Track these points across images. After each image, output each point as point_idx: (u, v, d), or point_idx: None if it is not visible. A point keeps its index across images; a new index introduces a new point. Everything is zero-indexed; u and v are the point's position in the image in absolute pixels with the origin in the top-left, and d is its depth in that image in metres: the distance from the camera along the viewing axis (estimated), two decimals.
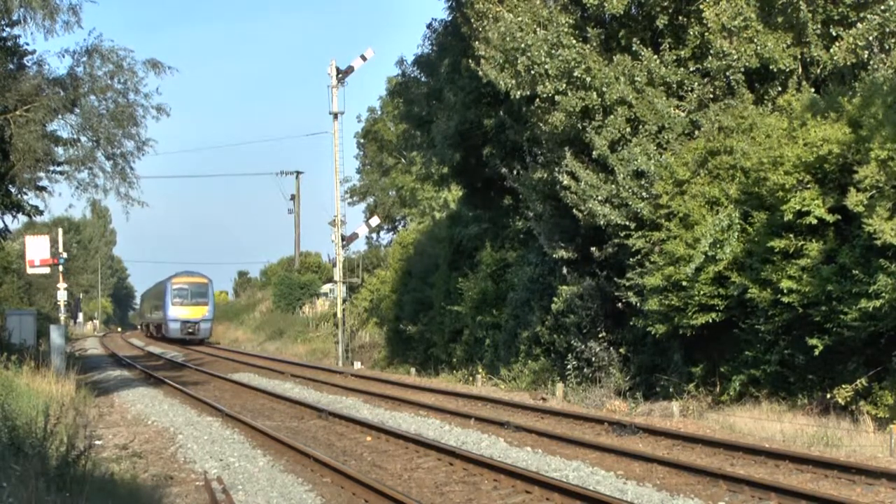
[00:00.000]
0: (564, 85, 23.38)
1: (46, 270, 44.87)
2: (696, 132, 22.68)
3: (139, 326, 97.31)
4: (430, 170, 40.55)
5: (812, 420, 18.41)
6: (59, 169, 29.41)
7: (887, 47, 20.85)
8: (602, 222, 23.42)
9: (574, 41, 23.38)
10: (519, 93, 24.24)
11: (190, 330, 65.47)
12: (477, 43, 25.42)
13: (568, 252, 26.49)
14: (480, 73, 25.28)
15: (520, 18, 23.97)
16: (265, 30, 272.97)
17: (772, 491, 12.96)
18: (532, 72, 23.61)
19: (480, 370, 32.28)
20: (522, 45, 23.57)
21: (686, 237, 21.21)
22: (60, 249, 43.88)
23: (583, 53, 23.21)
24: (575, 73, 23.14)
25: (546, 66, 23.34)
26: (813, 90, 21.57)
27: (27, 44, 28.20)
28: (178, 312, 65.75)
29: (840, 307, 17.90)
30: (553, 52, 23.33)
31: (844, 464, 14.50)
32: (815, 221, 18.64)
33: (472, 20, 26.04)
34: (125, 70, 27.49)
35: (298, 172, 63.05)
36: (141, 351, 60.06)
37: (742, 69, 21.82)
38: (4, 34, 27.81)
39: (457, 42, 31.91)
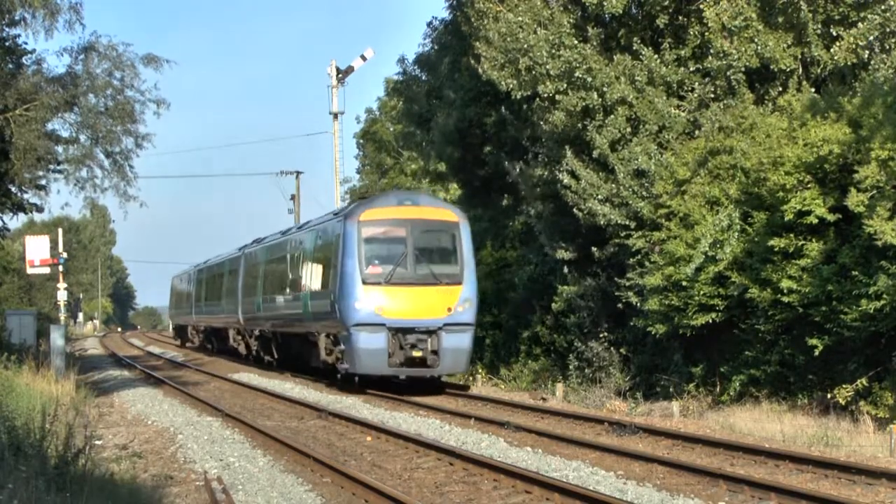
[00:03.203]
0: (565, 85, 23.38)
1: (46, 270, 44.91)
2: (697, 132, 22.68)
3: (184, 330, 61.03)
4: (428, 166, 40.46)
5: (812, 420, 18.40)
6: (58, 168, 29.35)
7: (888, 47, 20.86)
8: (602, 222, 23.42)
9: (575, 41, 23.37)
10: (520, 93, 24.27)
11: (415, 352, 25.28)
12: (477, 42, 25.43)
13: (569, 252, 26.49)
14: (481, 72, 25.29)
15: (520, 18, 23.96)
16: (265, 30, 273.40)
17: (772, 491, 12.93)
18: (533, 72, 23.62)
19: (480, 370, 32.26)
20: (524, 46, 23.56)
21: (686, 237, 21.21)
22: (60, 249, 43.90)
23: (583, 54, 23.21)
24: (576, 74, 23.13)
25: (547, 67, 23.34)
26: (813, 90, 21.56)
27: (26, 43, 28.12)
28: (376, 301, 25.35)
29: (840, 307, 17.90)
30: (554, 52, 23.32)
31: (844, 464, 14.47)
32: (815, 221, 18.64)
33: (473, 19, 26.05)
34: (123, 65, 27.33)
35: (298, 172, 63.06)
36: (141, 351, 60.05)
37: (742, 69, 21.81)
38: (4, 34, 27.75)
39: (457, 41, 31.93)
